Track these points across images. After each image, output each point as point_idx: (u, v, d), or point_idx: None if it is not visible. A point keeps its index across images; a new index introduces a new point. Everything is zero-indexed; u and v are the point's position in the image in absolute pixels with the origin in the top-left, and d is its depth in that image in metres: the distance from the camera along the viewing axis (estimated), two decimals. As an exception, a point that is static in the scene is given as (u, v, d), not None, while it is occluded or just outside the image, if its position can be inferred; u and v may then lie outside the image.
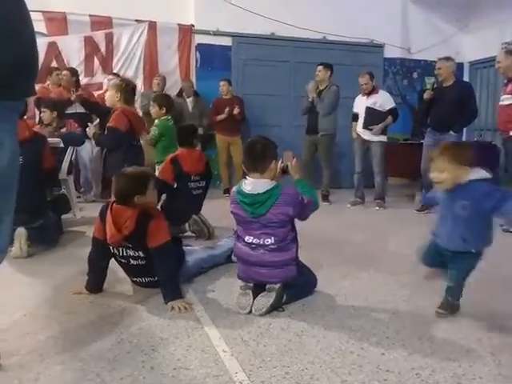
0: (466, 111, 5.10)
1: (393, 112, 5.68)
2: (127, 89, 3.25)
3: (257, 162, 2.42)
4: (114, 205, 2.51)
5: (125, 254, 2.54)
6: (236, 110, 6.37)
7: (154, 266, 2.48)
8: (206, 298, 2.59)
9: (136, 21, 6.78)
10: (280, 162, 2.50)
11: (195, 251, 3.02)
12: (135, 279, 2.68)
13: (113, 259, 2.63)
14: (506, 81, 4.71)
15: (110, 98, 3.28)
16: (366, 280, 2.95)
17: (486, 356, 1.92)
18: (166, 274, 2.47)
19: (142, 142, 4.19)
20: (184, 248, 2.88)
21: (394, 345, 2.03)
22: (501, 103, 4.68)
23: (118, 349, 1.97)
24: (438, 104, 5.16)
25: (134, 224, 2.41)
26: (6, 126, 1.57)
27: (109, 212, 2.48)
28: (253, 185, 2.40)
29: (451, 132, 5.07)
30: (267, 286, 2.39)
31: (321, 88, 5.84)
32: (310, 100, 5.82)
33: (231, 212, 2.52)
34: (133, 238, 2.45)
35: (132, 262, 2.56)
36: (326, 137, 5.82)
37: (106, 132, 3.59)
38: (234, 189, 2.51)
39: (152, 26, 6.82)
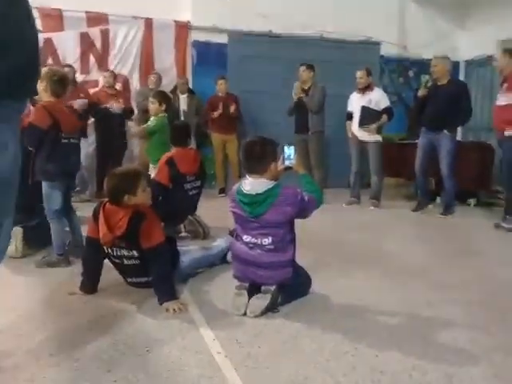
0: (460, 110, 5.10)
1: (388, 111, 5.68)
2: (54, 79, 2.95)
3: (256, 164, 2.41)
4: (107, 205, 2.51)
5: (118, 253, 2.54)
6: (232, 108, 6.37)
7: (149, 266, 2.48)
8: (201, 299, 2.59)
9: (132, 17, 6.76)
10: (281, 159, 2.50)
11: (190, 251, 3.01)
12: (130, 279, 2.68)
13: (107, 260, 2.63)
14: (502, 80, 4.72)
15: (38, 88, 2.99)
16: (362, 280, 2.96)
17: (478, 356, 1.94)
18: (160, 275, 2.47)
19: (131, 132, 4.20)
20: (179, 248, 2.87)
21: (387, 346, 2.04)
22: (497, 103, 4.68)
23: (112, 350, 1.97)
24: (432, 103, 5.15)
25: (127, 224, 2.41)
26: (11, 127, 1.58)
27: (101, 212, 2.48)
28: (252, 185, 2.40)
29: (445, 131, 5.08)
30: (262, 288, 2.40)
31: (305, 87, 5.85)
32: (295, 100, 5.83)
33: (230, 211, 2.52)
34: (126, 239, 2.45)
35: (126, 261, 2.56)
36: (316, 134, 5.84)
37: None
38: (234, 188, 2.52)
39: (148, 22, 6.80)
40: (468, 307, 2.50)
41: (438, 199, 5.90)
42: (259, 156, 2.40)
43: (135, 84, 6.85)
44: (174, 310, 2.36)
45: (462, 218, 5.16)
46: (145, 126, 4.41)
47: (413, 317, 2.38)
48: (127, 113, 6.16)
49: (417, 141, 5.58)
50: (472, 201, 6.00)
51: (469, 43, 8.31)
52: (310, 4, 7.28)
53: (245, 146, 2.47)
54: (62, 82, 3.06)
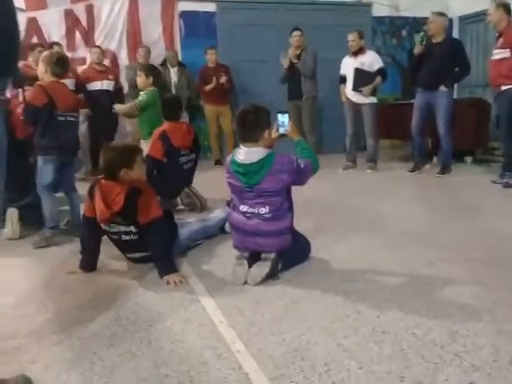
0: (459, 66, 5.04)
1: (382, 72, 5.59)
2: (53, 60, 3.13)
3: (249, 132, 2.37)
4: (103, 181, 2.49)
5: (116, 230, 2.52)
6: (223, 79, 6.27)
7: (147, 241, 2.47)
8: (201, 270, 2.59)
9: (116, -9, 6.58)
10: (275, 126, 2.46)
11: (188, 223, 3.00)
12: (129, 255, 2.67)
13: (105, 236, 2.62)
14: (497, 35, 4.63)
15: (39, 71, 3.18)
16: (360, 243, 2.96)
17: (481, 312, 1.94)
18: (159, 249, 2.46)
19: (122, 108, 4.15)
20: (176, 221, 2.86)
21: (389, 306, 2.04)
22: (492, 58, 4.61)
23: (115, 326, 1.97)
24: (429, 61, 5.06)
25: (124, 200, 2.38)
26: None
27: (97, 189, 2.46)
28: (246, 154, 2.36)
29: (442, 88, 5.00)
30: (262, 256, 2.39)
31: (297, 52, 5.75)
32: (285, 67, 5.76)
33: (226, 182, 2.49)
34: (123, 214, 2.43)
35: (124, 237, 2.54)
36: (310, 99, 5.80)
37: None
38: (228, 159, 2.48)
39: (133, -5, 6.62)
40: (468, 264, 2.50)
41: (435, 159, 5.87)
42: (253, 123, 2.36)
43: (124, 59, 6.72)
44: (175, 282, 2.35)
45: (460, 176, 5.15)
46: (136, 101, 4.33)
47: (413, 276, 2.38)
48: (118, 92, 6.06)
49: (412, 101, 5.51)
50: (469, 158, 5.99)
51: (461, 0, 8.11)
52: (298, -33, 7.10)
53: (238, 115, 2.43)
54: (61, 63, 3.20)
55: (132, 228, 2.50)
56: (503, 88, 4.46)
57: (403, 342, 1.74)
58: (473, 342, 1.70)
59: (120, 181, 2.45)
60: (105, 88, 5.90)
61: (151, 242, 2.45)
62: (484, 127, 6.00)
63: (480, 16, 7.94)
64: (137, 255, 2.63)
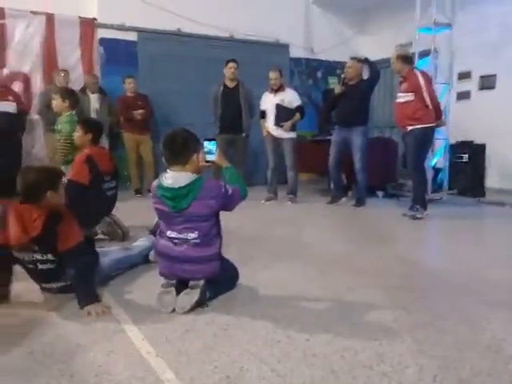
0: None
1: (300, 109, 5.84)
2: None
3: (178, 155, 2.34)
4: (17, 205, 2.31)
5: (31, 258, 2.34)
6: (138, 115, 6.19)
7: (66, 270, 2.33)
8: (125, 300, 2.47)
9: (31, 12, 6.33)
10: (202, 153, 2.45)
11: (110, 252, 2.87)
12: (45, 285, 2.48)
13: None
14: (400, 79, 5.05)
15: None
16: (285, 270, 3.00)
17: (403, 334, 2.03)
18: (79, 278, 2.31)
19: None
20: (98, 249, 2.72)
21: (317, 330, 2.07)
22: (397, 101, 5.01)
23: (29, 360, 1.81)
24: (345, 100, 5.41)
25: (43, 224, 2.23)
26: None
27: (10, 213, 2.28)
28: (173, 178, 2.33)
29: (357, 127, 5.35)
30: (190, 283, 2.34)
31: (233, 85, 5.87)
32: (220, 99, 5.83)
33: (153, 207, 2.43)
34: (41, 240, 2.27)
35: (40, 266, 2.36)
36: (246, 136, 5.90)
37: None
38: (155, 183, 2.42)
39: (50, 17, 6.42)
40: (386, 289, 2.63)
41: (350, 193, 6.19)
42: (181, 146, 2.33)
43: (39, 83, 6.42)
44: (97, 312, 2.22)
45: (373, 208, 5.47)
46: (62, 136, 4.08)
47: (336, 301, 2.46)
48: (21, 115, 5.74)
49: (328, 138, 5.81)
50: (380, 193, 6.39)
51: (370, 46, 8.80)
52: (220, 5, 7.31)
53: (166, 137, 2.39)
54: None
55: (49, 256, 2.34)
56: (409, 128, 4.84)
57: (334, 364, 1.77)
58: (399, 362, 1.78)
59: (38, 205, 2.29)
60: (2, 110, 5.55)
61: (71, 270, 2.30)
62: (393, 164, 6.47)
63: (386, 62, 8.67)
64: (54, 285, 2.45)
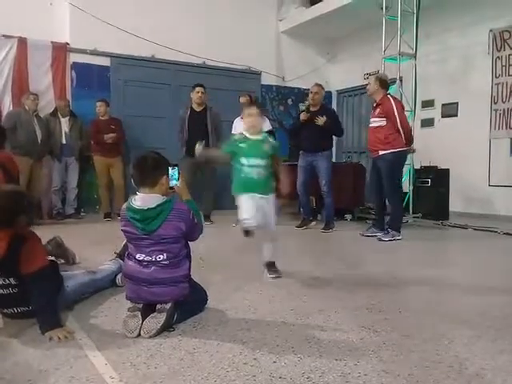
0: (335, 129, 5.61)
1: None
2: None
3: (148, 176, 2.35)
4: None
5: (-8, 283, 2.28)
6: (109, 139, 6.16)
7: (29, 294, 2.26)
8: (89, 325, 2.41)
9: (3, 36, 6.32)
10: (169, 177, 2.45)
11: (75, 276, 2.80)
12: (5, 310, 2.40)
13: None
14: (374, 104, 5.20)
15: None
16: (255, 293, 3.00)
17: (369, 354, 2.05)
18: (42, 302, 2.25)
19: None
20: (62, 273, 2.66)
21: (284, 352, 2.07)
22: (370, 126, 5.14)
23: (-13, 388, 1.74)
24: (309, 127, 5.54)
25: (6, 247, 2.18)
26: None
27: None
28: (143, 200, 2.32)
29: (322, 152, 5.49)
30: (157, 307, 2.31)
31: (200, 109, 5.91)
32: (187, 123, 5.87)
33: (121, 230, 2.41)
34: (3, 263, 2.21)
35: (1, 290, 2.30)
36: None
37: None
38: (124, 206, 2.41)
39: (22, 41, 6.44)
40: (354, 310, 2.65)
41: (319, 216, 6.26)
42: (151, 167, 2.35)
43: (7, 105, 6.36)
44: (59, 337, 2.16)
45: (341, 231, 5.57)
46: None
47: (305, 324, 2.46)
48: None
49: (297, 162, 5.90)
50: (348, 216, 6.50)
51: (339, 75, 9.08)
52: (193, 32, 7.43)
53: (137, 159, 2.41)
54: None
55: (12, 280, 2.27)
56: (381, 153, 4.96)
57: (300, 385, 1.77)
58: (364, 382, 1.79)
59: (8, 226, 2.23)
60: None
61: (34, 294, 2.24)
62: (361, 188, 6.60)
63: (355, 91, 8.94)
64: (15, 310, 2.37)
